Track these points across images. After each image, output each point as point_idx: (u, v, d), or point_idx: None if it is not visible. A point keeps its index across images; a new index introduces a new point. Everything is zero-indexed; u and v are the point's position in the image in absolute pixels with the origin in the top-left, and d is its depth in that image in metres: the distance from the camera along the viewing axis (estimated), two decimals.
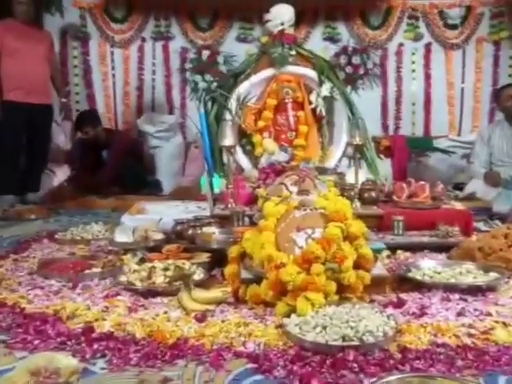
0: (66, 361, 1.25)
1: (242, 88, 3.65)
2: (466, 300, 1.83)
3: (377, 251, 2.34)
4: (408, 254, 2.53)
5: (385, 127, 5.59)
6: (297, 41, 3.94)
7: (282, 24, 3.65)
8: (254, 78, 3.67)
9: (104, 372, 1.37)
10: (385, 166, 4.98)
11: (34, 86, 4.30)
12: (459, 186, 4.66)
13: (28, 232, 3.27)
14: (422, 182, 3.11)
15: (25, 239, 3.01)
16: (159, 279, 1.98)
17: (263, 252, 1.86)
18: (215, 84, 5.32)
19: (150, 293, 1.93)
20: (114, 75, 5.53)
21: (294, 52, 3.69)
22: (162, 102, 5.55)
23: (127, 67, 5.53)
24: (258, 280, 1.87)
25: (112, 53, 5.52)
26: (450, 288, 1.91)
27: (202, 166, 4.54)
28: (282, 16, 3.66)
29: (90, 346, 1.50)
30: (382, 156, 5.29)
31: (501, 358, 1.41)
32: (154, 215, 2.94)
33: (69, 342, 1.53)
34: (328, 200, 2.17)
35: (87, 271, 2.20)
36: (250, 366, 1.40)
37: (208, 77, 5.42)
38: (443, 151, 5.28)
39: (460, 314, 1.70)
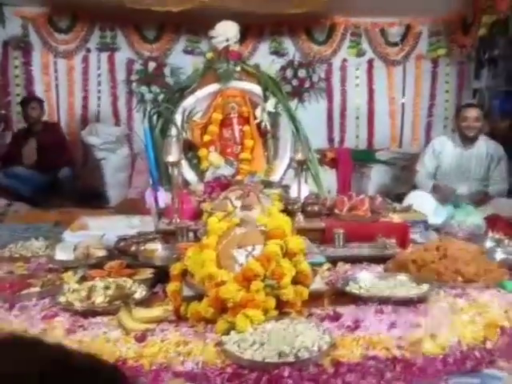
0: None
1: (188, 102, 3.68)
2: (398, 312, 1.91)
3: (317, 265, 2.42)
4: (348, 266, 2.61)
5: (330, 139, 5.74)
6: (241, 57, 4.01)
7: (227, 40, 3.71)
8: (200, 93, 3.71)
9: None
10: (330, 178, 5.12)
11: None
12: (400, 197, 4.84)
13: None
14: (362, 196, 3.22)
15: None
16: (99, 299, 1.97)
17: (204, 270, 1.88)
18: (162, 96, 5.33)
19: (90, 313, 1.91)
20: (57, 86, 5.43)
21: (239, 68, 3.75)
22: (108, 113, 5.49)
23: (71, 78, 5.45)
24: (199, 297, 1.90)
25: (55, 63, 5.42)
26: (383, 301, 1.99)
27: (148, 178, 4.54)
28: (226, 33, 3.72)
29: None
30: (327, 167, 5.45)
31: (427, 370, 1.49)
32: (97, 231, 2.91)
33: None
34: (269, 216, 2.22)
35: (25, 291, 2.15)
36: None
37: (154, 88, 5.40)
38: (385, 163, 5.46)
39: (392, 326, 1.78)
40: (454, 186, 3.94)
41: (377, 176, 5.40)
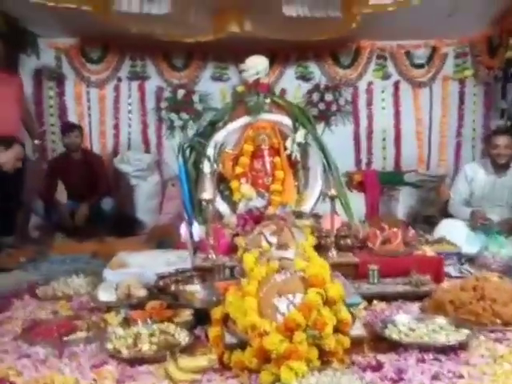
0: None
1: (219, 135, 3.75)
2: (439, 360, 1.93)
3: (354, 305, 2.46)
4: (384, 304, 2.63)
5: (357, 162, 5.75)
6: (270, 89, 4.07)
7: (257, 74, 3.78)
8: (231, 126, 3.78)
9: None
10: (358, 201, 5.13)
11: (2, 129, 4.29)
12: (428, 220, 4.83)
13: (7, 282, 3.27)
14: (395, 229, 3.24)
15: (5, 295, 2.99)
16: (145, 346, 2.03)
17: (247, 320, 1.93)
18: (190, 123, 5.43)
19: (137, 361, 1.97)
20: (89, 115, 5.56)
21: (268, 100, 3.81)
22: (138, 141, 5.60)
23: (103, 107, 5.58)
24: (242, 345, 1.94)
25: (88, 92, 5.56)
26: (424, 347, 2.01)
27: (179, 204, 4.62)
28: (257, 66, 3.79)
29: None
30: (354, 191, 5.47)
31: None
32: (136, 268, 2.98)
33: None
34: (306, 260, 2.26)
35: (72, 336, 2.22)
36: None
37: (183, 115, 5.50)
38: (413, 185, 5.45)
39: (435, 377, 1.80)
40: (487, 211, 3.91)
41: (405, 198, 5.39)
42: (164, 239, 4.20)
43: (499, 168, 3.90)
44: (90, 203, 4.83)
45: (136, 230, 5.00)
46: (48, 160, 5.27)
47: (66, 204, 4.89)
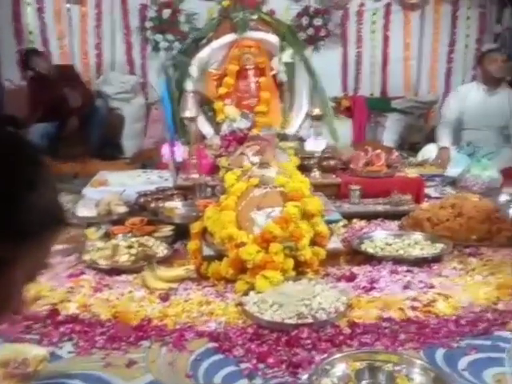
0: (34, 351, 1.32)
1: (203, 53, 3.64)
2: (412, 272, 1.97)
3: (334, 222, 2.47)
4: (363, 222, 2.65)
5: (344, 87, 5.63)
6: (258, 5, 3.91)
7: None
8: (215, 43, 3.66)
9: (71, 356, 1.45)
10: (345, 126, 5.07)
11: None
12: (414, 146, 4.82)
13: None
14: (378, 151, 3.22)
15: None
16: (123, 257, 2.05)
17: (224, 231, 1.94)
18: (176, 44, 5.24)
19: (115, 271, 1.99)
20: (70, 33, 5.34)
21: (255, 16, 3.67)
22: (122, 61, 5.42)
23: (84, 25, 5.35)
24: (219, 257, 1.97)
25: (68, 9, 5.31)
26: (398, 260, 2.05)
27: (163, 128, 4.55)
28: None
29: (56, 330, 1.57)
30: (341, 116, 5.40)
31: (440, 331, 1.55)
32: (117, 187, 2.96)
33: (35, 326, 1.60)
34: (287, 176, 2.25)
35: None
36: (211, 345, 1.50)
37: (169, 36, 5.30)
38: (401, 111, 5.39)
39: (406, 287, 1.84)
40: (476, 133, 3.93)
41: (392, 125, 5.33)
42: (147, 162, 4.16)
43: (492, 85, 3.91)
44: (78, 114, 4.72)
45: (119, 154, 4.93)
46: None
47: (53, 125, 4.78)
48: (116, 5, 5.34)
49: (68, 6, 5.29)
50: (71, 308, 1.70)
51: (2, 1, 4.98)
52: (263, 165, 2.46)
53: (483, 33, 5.48)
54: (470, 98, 3.99)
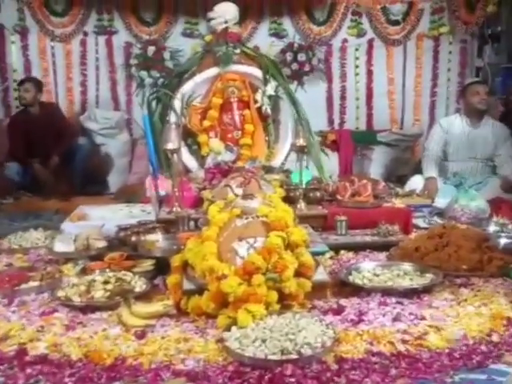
0: None
1: (187, 87, 3.62)
2: (402, 303, 1.89)
3: (320, 254, 2.40)
4: (351, 254, 2.58)
5: (330, 121, 5.65)
6: (241, 39, 3.94)
7: (226, 22, 3.64)
8: (199, 77, 3.64)
9: None
10: (331, 161, 5.05)
11: None
12: (401, 179, 4.80)
13: None
14: (365, 181, 3.18)
15: None
16: (98, 293, 1.94)
17: (205, 263, 1.85)
18: (161, 80, 5.24)
19: (89, 308, 1.89)
20: (55, 71, 5.34)
21: (238, 51, 3.68)
22: (107, 98, 5.41)
23: (69, 62, 5.35)
24: (200, 291, 1.87)
25: (52, 47, 5.32)
26: (387, 292, 1.96)
27: (149, 164, 4.49)
28: (225, 14, 3.64)
29: (22, 371, 1.46)
30: (328, 150, 5.38)
31: (432, 365, 1.46)
32: (97, 221, 2.87)
33: (1, 367, 1.48)
34: (270, 206, 2.18)
35: (23, 285, 2.12)
36: None
37: (154, 72, 5.31)
38: (387, 144, 5.39)
39: (396, 319, 1.75)
40: (462, 164, 3.96)
41: (378, 158, 5.33)
42: (132, 197, 4.08)
43: (475, 119, 3.91)
44: (60, 152, 4.68)
45: (104, 190, 4.86)
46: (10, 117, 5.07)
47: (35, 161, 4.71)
48: (100, 43, 5.37)
49: (52, 44, 5.31)
50: (40, 348, 1.58)
51: None
52: (247, 196, 2.39)
53: (465, 67, 5.56)
54: (453, 130, 4.01)
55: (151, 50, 5.30)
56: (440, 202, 3.53)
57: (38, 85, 4.87)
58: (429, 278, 2.07)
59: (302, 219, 2.61)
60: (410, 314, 1.79)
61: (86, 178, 4.83)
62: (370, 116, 5.61)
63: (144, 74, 5.31)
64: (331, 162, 4.95)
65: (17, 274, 2.29)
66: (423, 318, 1.76)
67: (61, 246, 2.51)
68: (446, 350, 1.54)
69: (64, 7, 5.26)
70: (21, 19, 5.22)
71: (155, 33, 5.39)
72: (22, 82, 4.84)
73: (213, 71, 3.64)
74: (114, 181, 5.02)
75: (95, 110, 5.26)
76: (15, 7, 5.19)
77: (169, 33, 5.40)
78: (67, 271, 2.33)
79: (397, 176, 5.10)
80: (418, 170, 4.43)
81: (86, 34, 5.33)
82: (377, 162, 5.28)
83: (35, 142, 4.69)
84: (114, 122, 5.17)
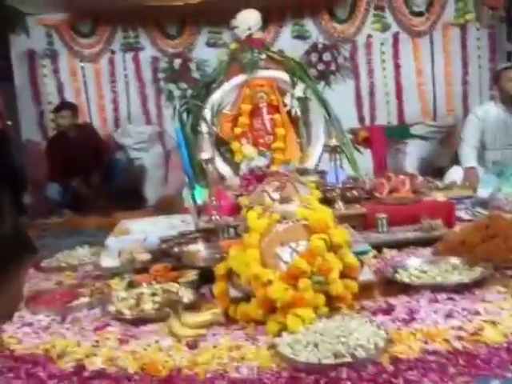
0: None
1: (215, 96, 3.64)
2: (453, 299, 1.85)
3: (363, 253, 2.37)
4: (394, 251, 2.55)
5: (361, 119, 5.61)
6: (265, 44, 3.94)
7: (249, 29, 3.64)
8: (227, 86, 3.66)
9: None
10: (364, 158, 5.00)
11: None
12: (441, 171, 4.71)
13: None
14: (402, 176, 3.13)
15: None
16: (147, 306, 1.97)
17: (249, 270, 1.86)
18: (190, 91, 5.30)
19: (140, 321, 1.92)
20: (86, 90, 5.47)
21: (263, 56, 3.68)
22: (138, 113, 5.51)
23: (99, 81, 5.49)
24: (246, 298, 1.88)
25: (82, 68, 5.46)
26: (437, 288, 1.93)
27: (183, 174, 4.55)
28: (248, 21, 3.65)
29: None
30: (360, 148, 5.33)
31: (491, 361, 1.43)
32: (139, 235, 2.91)
33: None
34: (309, 209, 2.17)
35: (75, 302, 2.17)
36: None
37: (182, 84, 5.39)
38: (421, 137, 5.31)
39: (449, 315, 1.72)
40: (500, 153, 3.87)
41: (413, 151, 5.25)
42: (170, 209, 4.13)
43: (511, 104, 3.81)
44: (99, 170, 4.81)
45: (139, 203, 4.94)
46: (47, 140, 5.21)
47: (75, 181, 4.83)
48: (128, 59, 5.47)
49: (82, 64, 5.44)
50: (97, 362, 1.62)
51: (19, 65, 5.13)
52: (284, 200, 2.39)
53: (495, 53, 5.44)
54: (489, 118, 3.92)
55: (177, 62, 5.39)
56: (482, 192, 3.44)
57: (74, 110, 4.97)
58: (478, 271, 2.03)
59: (341, 219, 2.58)
60: (463, 309, 1.75)
61: (125, 193, 4.92)
62: (400, 110, 5.54)
63: (172, 86, 5.40)
64: (365, 160, 4.90)
65: (67, 291, 2.35)
66: (477, 313, 1.72)
67: (107, 262, 2.56)
68: (505, 345, 1.50)
69: (90, 28, 5.40)
70: (50, 43, 5.38)
71: (180, 45, 5.47)
72: (57, 109, 4.95)
73: (240, 78, 3.66)
74: (150, 193, 5.11)
75: (128, 125, 5.36)
76: (43, 31, 5.35)
77: (193, 44, 5.48)
78: (115, 286, 2.37)
79: (433, 169, 5.00)
80: (455, 161, 4.35)
81: (113, 52, 5.45)
82: (411, 155, 5.20)
83: (73, 163, 4.82)
84: (147, 136, 5.26)
